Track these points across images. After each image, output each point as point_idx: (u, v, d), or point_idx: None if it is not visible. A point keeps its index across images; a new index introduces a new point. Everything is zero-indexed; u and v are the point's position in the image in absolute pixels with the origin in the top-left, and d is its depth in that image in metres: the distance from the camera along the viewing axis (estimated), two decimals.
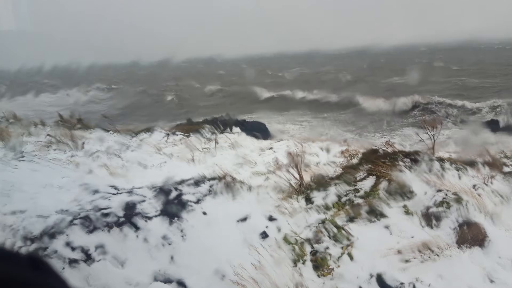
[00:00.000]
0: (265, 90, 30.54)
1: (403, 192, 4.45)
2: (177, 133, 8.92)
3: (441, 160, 5.13)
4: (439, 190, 4.40)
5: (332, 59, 55.77)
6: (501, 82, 25.12)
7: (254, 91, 30.70)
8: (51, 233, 3.44)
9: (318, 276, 3.50)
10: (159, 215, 3.93)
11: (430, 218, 4.08)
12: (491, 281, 3.40)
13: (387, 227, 4.03)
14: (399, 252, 3.66)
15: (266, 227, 4.03)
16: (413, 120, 18.54)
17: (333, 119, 21.33)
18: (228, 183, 4.63)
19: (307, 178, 5.16)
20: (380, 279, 3.38)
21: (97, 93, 38.87)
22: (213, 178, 4.75)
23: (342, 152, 7.44)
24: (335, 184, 4.78)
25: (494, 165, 5.49)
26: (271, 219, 4.17)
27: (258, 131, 11.85)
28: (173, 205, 4.15)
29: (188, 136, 8.71)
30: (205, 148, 7.98)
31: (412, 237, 3.85)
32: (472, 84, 26.12)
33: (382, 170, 4.76)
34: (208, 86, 35.36)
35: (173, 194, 4.37)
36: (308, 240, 3.87)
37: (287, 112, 23.25)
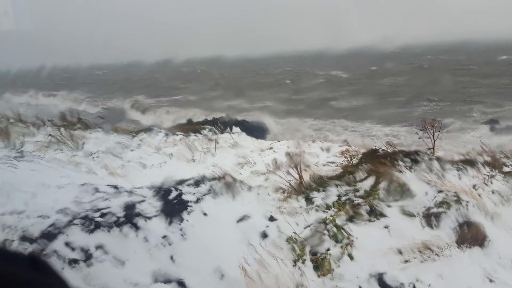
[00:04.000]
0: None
1: (403, 192, 4.45)
2: (177, 133, 8.91)
3: (441, 160, 5.13)
4: (439, 191, 4.40)
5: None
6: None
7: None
8: (51, 233, 3.44)
9: (318, 276, 3.50)
10: (159, 215, 3.93)
11: (430, 218, 4.08)
12: (491, 281, 3.40)
13: (387, 227, 4.03)
14: (399, 252, 3.66)
15: (266, 227, 4.03)
16: None
17: None
18: (228, 183, 4.63)
19: (307, 178, 5.16)
20: (380, 279, 3.38)
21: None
22: (213, 178, 4.75)
23: (342, 152, 7.43)
24: (336, 186, 4.78)
25: (494, 165, 5.49)
26: (271, 219, 4.16)
27: (257, 130, 11.84)
28: (173, 205, 4.15)
29: (188, 136, 8.71)
30: (205, 148, 7.98)
31: (412, 237, 3.85)
32: None
33: (382, 170, 4.76)
34: None
35: (173, 194, 4.37)
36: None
37: None
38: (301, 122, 16.33)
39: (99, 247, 3.38)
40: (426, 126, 6.94)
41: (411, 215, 4.19)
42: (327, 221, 4.02)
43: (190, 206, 4.16)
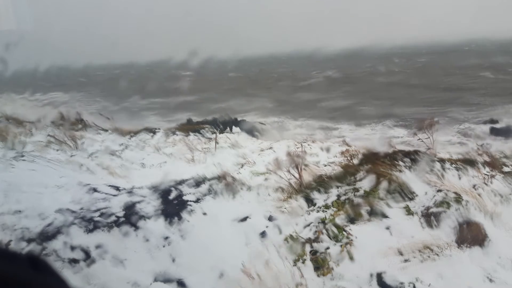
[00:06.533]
0: None
1: (403, 192, 4.45)
2: (177, 133, 8.91)
3: (441, 160, 5.13)
4: (439, 190, 4.40)
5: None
6: None
7: None
8: (51, 233, 3.43)
9: (318, 275, 3.50)
10: (159, 214, 3.92)
11: (430, 218, 4.08)
12: (491, 281, 3.40)
13: (387, 227, 4.02)
14: (399, 252, 3.65)
15: (266, 226, 4.03)
16: None
17: None
18: (228, 183, 4.63)
19: (306, 177, 5.15)
20: (380, 278, 3.38)
21: None
22: (213, 178, 4.75)
23: (342, 153, 7.43)
24: (336, 186, 4.78)
25: (494, 165, 5.49)
26: (270, 219, 4.16)
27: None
28: (173, 205, 4.14)
29: (187, 136, 8.70)
30: (204, 148, 7.97)
31: (412, 237, 3.85)
32: None
33: (382, 169, 4.76)
34: None
35: (173, 194, 4.37)
36: (308, 240, 3.87)
37: None
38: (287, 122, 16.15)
39: (98, 246, 3.38)
40: (424, 127, 6.95)
41: (411, 214, 4.18)
42: (326, 221, 4.02)
43: (190, 206, 4.15)
